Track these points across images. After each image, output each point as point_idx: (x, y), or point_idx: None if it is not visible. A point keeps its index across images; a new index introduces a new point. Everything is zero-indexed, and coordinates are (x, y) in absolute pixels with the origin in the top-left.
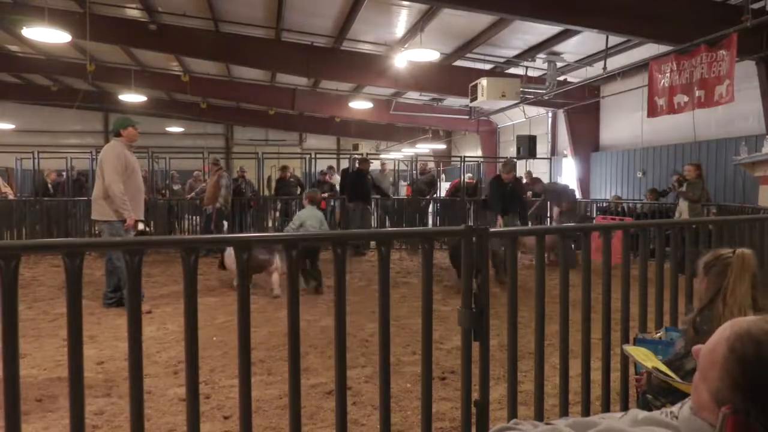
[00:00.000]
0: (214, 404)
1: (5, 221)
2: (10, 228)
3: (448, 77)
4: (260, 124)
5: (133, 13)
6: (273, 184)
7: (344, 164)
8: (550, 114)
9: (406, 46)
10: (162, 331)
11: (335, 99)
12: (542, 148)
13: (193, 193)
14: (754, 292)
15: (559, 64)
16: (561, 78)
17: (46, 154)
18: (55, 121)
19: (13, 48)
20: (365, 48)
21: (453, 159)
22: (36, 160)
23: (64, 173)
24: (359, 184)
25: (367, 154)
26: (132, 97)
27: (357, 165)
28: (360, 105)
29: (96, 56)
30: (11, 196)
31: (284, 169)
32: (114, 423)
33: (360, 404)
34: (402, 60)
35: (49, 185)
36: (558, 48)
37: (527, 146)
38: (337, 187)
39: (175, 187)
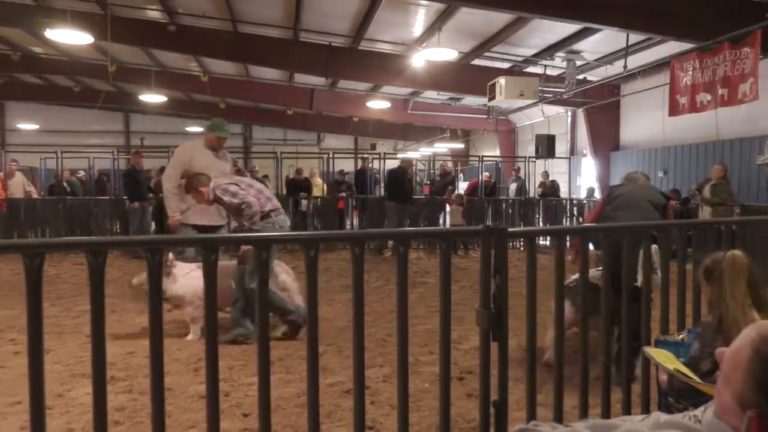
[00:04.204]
0: (234, 402)
1: (29, 220)
2: (34, 227)
3: (466, 76)
4: (278, 124)
5: (153, 14)
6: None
7: (361, 164)
8: (569, 113)
9: (423, 45)
10: (183, 329)
11: (353, 99)
12: (561, 147)
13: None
14: (754, 290)
15: (578, 63)
16: (580, 77)
17: (69, 154)
18: (77, 121)
19: (37, 50)
20: (383, 48)
21: (471, 158)
22: (59, 160)
23: (82, 172)
24: (399, 183)
25: (385, 153)
26: (152, 98)
27: (398, 164)
28: (378, 104)
29: (117, 57)
30: (35, 195)
31: (298, 171)
32: (135, 419)
33: (378, 404)
34: (419, 59)
35: (65, 184)
36: (577, 46)
37: (546, 146)
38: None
39: None
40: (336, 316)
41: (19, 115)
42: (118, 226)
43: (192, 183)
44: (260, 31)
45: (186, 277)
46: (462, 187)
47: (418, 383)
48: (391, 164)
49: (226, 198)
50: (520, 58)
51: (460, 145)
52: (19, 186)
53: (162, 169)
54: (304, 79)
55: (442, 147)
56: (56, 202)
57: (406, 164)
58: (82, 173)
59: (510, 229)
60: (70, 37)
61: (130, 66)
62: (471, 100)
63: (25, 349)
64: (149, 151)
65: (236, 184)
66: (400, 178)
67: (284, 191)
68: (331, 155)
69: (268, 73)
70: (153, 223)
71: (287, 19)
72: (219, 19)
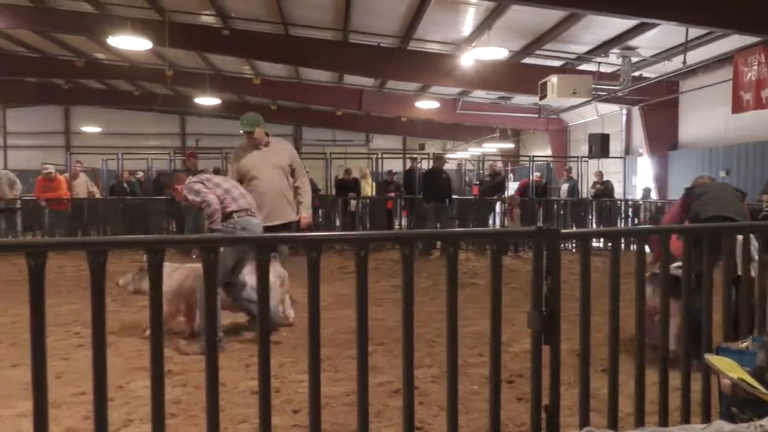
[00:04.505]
0: (284, 398)
1: (92, 219)
2: (96, 225)
3: (517, 75)
4: (328, 125)
5: (208, 19)
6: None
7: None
8: (624, 111)
9: (473, 44)
10: (235, 325)
11: (402, 99)
12: (615, 146)
13: None
14: None
15: (634, 59)
16: (636, 73)
17: (129, 156)
18: (136, 124)
19: (100, 56)
20: (432, 47)
21: (521, 158)
22: (120, 161)
23: (140, 173)
24: (434, 182)
25: (434, 153)
26: (207, 101)
27: (432, 163)
28: (426, 105)
29: (174, 62)
30: (98, 195)
31: (347, 171)
32: (190, 412)
33: (426, 404)
34: (469, 59)
35: (125, 184)
36: (633, 42)
37: (599, 145)
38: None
39: None
40: (385, 316)
41: (83, 119)
42: (174, 225)
43: (171, 181)
44: (310, 34)
45: (167, 276)
46: (512, 187)
47: (467, 385)
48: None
49: (190, 197)
50: (572, 56)
51: (510, 145)
52: (83, 186)
53: (216, 171)
54: (353, 80)
55: (491, 147)
56: (116, 202)
57: (441, 163)
58: (140, 174)
59: (562, 231)
60: (130, 43)
61: (186, 70)
62: (521, 99)
63: (88, 342)
64: (204, 152)
65: (202, 183)
66: (436, 178)
67: (333, 191)
68: (379, 155)
69: (318, 75)
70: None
71: (337, 21)
72: (271, 23)
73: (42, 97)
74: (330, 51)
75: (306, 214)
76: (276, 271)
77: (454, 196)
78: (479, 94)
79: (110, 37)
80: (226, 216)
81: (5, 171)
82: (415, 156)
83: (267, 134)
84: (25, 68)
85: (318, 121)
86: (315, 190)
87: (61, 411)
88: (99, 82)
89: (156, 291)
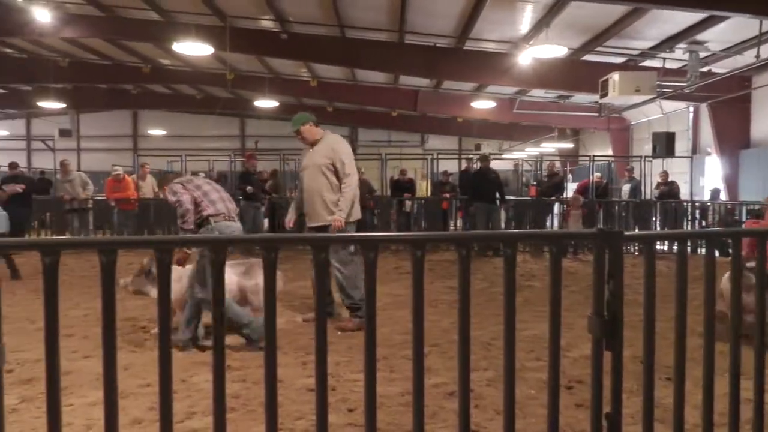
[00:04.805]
0: (339, 396)
1: (158, 218)
2: (161, 224)
3: (576, 73)
4: (383, 126)
5: (267, 24)
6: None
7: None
8: (691, 109)
9: (530, 42)
10: (291, 324)
11: (457, 99)
12: (681, 146)
13: None
14: None
15: (702, 54)
16: (704, 69)
17: (191, 157)
18: (198, 126)
19: (165, 62)
20: (488, 47)
21: (581, 158)
22: (183, 163)
23: (202, 174)
24: (481, 183)
25: (490, 153)
26: (265, 103)
27: (479, 164)
28: (482, 104)
29: (234, 66)
30: (162, 195)
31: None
32: (249, 407)
33: (482, 407)
34: (526, 57)
35: None
36: (701, 36)
37: (664, 144)
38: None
39: None
40: (440, 317)
41: (149, 122)
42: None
43: (161, 183)
44: (366, 35)
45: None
46: (571, 188)
47: (524, 389)
48: (496, 165)
49: (169, 197)
50: (635, 52)
51: (569, 145)
52: (149, 187)
53: (274, 172)
54: (408, 80)
55: (549, 147)
56: None
57: (487, 163)
58: (202, 175)
59: (626, 233)
60: (193, 49)
61: (245, 73)
62: (581, 98)
63: (154, 336)
64: (262, 154)
65: (182, 184)
66: (483, 178)
67: (389, 192)
68: (435, 156)
69: (374, 76)
70: (266, 222)
71: (392, 22)
72: (327, 26)
73: (112, 102)
74: (386, 52)
75: (337, 217)
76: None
77: (510, 197)
78: (537, 93)
79: (175, 43)
80: (204, 220)
81: (78, 172)
82: (470, 156)
83: (319, 132)
84: (97, 75)
85: (374, 122)
86: (370, 190)
87: (128, 401)
88: (164, 86)
89: (219, 289)
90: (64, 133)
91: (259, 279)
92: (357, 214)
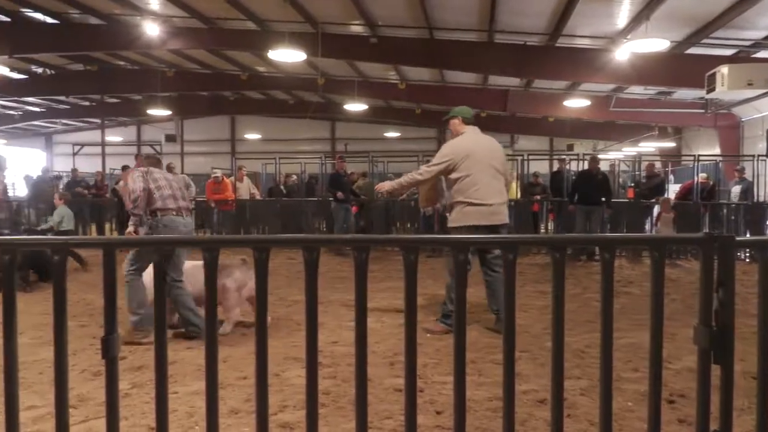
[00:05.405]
0: (427, 398)
1: (253, 218)
2: (257, 224)
3: (679, 67)
4: None
5: (357, 29)
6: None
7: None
8: None
9: (628, 37)
10: (379, 323)
11: (549, 98)
12: None
13: (404, 195)
14: None
15: None
16: None
17: (284, 160)
18: (290, 130)
19: (260, 69)
20: (582, 43)
21: (684, 158)
22: (277, 165)
23: (294, 176)
24: (587, 184)
25: (584, 154)
26: (355, 106)
27: (587, 165)
28: (576, 103)
29: (325, 71)
30: (258, 197)
31: None
32: (338, 403)
33: (575, 417)
34: (624, 52)
35: (282, 188)
36: None
37: None
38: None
39: None
40: (531, 322)
41: (246, 127)
42: (324, 225)
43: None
44: (455, 36)
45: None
46: (672, 189)
47: (621, 401)
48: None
49: (129, 183)
50: (747, 43)
51: (670, 144)
52: (246, 189)
53: (364, 174)
54: (498, 80)
55: (648, 146)
56: (274, 203)
57: (596, 164)
58: (294, 177)
59: (738, 238)
60: (287, 56)
61: (335, 78)
62: (684, 94)
63: (251, 332)
64: (352, 156)
65: (141, 174)
66: (589, 179)
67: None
68: (525, 157)
69: (463, 77)
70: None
71: (482, 22)
72: (416, 28)
73: (212, 108)
74: (475, 52)
75: (383, 184)
76: (234, 276)
77: None
78: (635, 90)
79: (270, 50)
80: (152, 212)
81: (182, 175)
82: (563, 157)
83: (461, 128)
84: (199, 83)
85: None
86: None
87: (226, 392)
88: (259, 92)
89: (311, 286)
90: (170, 138)
91: (226, 280)
92: (471, 219)
